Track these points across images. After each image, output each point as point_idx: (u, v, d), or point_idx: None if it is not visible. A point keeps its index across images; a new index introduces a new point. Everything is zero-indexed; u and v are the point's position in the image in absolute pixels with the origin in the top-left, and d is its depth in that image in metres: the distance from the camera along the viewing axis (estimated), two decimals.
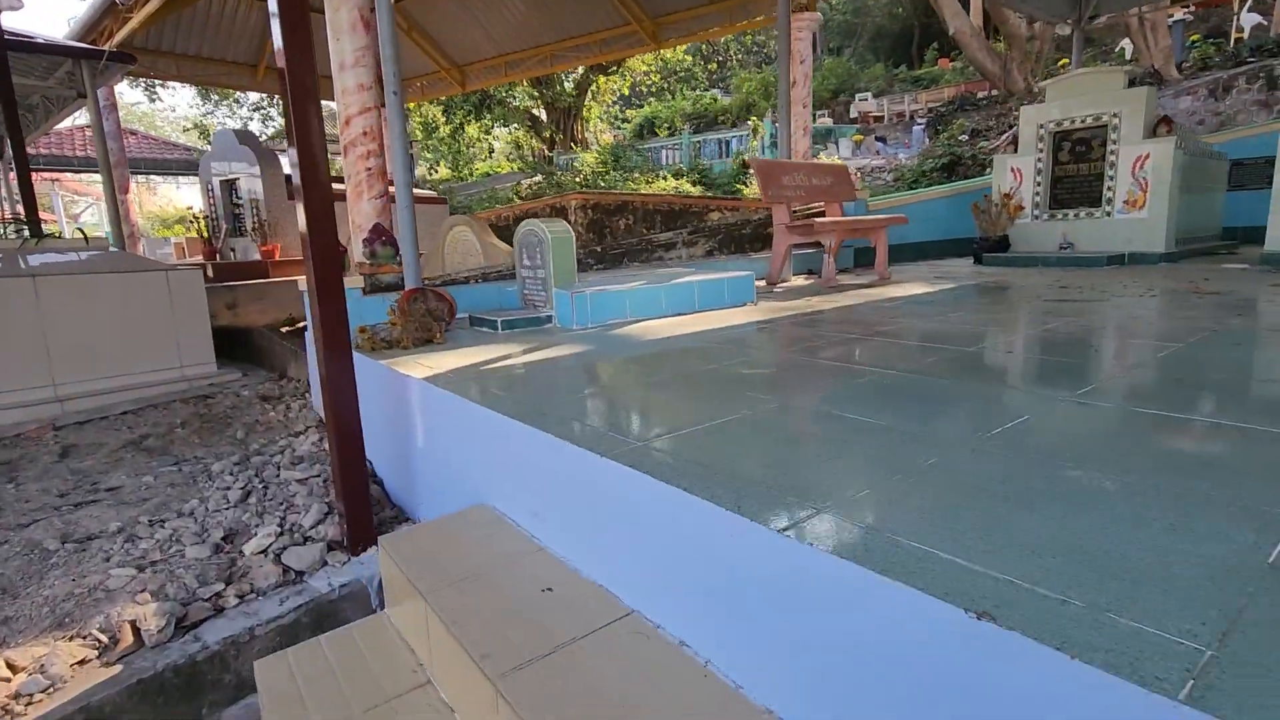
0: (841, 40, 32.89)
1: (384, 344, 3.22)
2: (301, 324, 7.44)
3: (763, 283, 5.65)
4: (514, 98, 21.29)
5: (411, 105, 17.29)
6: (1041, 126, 6.39)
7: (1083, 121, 6.13)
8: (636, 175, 16.96)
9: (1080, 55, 9.12)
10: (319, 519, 2.59)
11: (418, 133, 21.49)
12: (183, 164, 21.59)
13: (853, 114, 23.34)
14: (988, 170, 13.71)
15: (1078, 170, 6.27)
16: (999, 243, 6.54)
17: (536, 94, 21.43)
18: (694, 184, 15.74)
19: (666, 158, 20.59)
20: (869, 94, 25.01)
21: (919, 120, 18.29)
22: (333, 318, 2.35)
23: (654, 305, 3.91)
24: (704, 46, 27.37)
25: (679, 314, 3.99)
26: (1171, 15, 15.76)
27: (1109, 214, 6.05)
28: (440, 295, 3.65)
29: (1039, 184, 6.46)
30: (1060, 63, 19.48)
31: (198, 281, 5.41)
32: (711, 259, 6.19)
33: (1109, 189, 6.03)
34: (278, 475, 3.09)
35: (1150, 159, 5.76)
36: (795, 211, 5.70)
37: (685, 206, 9.07)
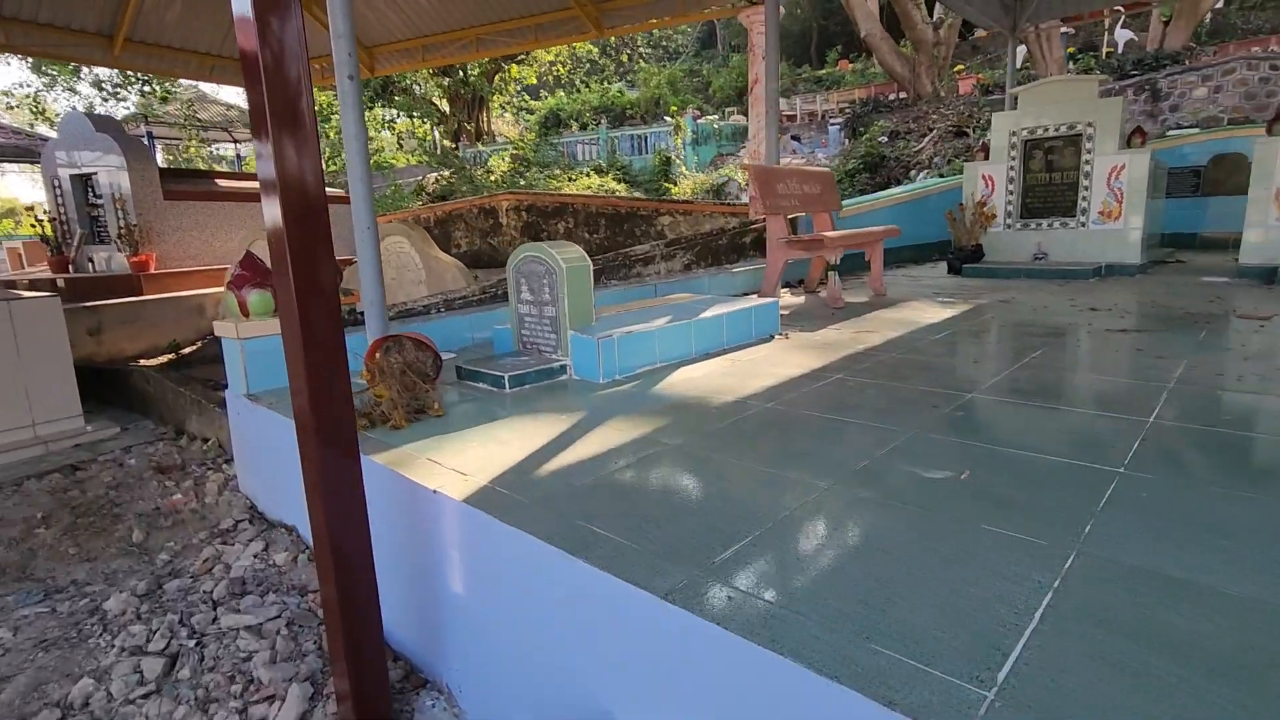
0: (744, 39, 33.10)
1: (365, 422, 2.36)
2: (189, 350, 6.14)
3: (755, 297, 5.10)
4: (419, 85, 19.65)
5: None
6: (1013, 134, 6.24)
7: (1056, 130, 6.02)
8: (557, 172, 16.05)
9: (1014, 62, 9.25)
10: (302, 713, 1.74)
11: None
12: (11, 149, 18.32)
13: None
14: (912, 172, 14.01)
15: (1050, 179, 6.17)
16: (974, 252, 6.36)
17: (443, 82, 19.89)
18: (617, 181, 15.09)
19: (583, 153, 19.74)
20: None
21: (834, 120, 18.51)
22: (324, 386, 1.51)
23: (683, 345, 3.24)
24: (612, 39, 26.68)
25: (708, 354, 3.35)
26: (1060, 28, 16.76)
27: (1084, 224, 5.98)
28: (421, 342, 2.81)
29: (1011, 192, 6.33)
30: (956, 69, 20.41)
31: (54, 311, 4.17)
32: (691, 274, 5.57)
33: (1084, 199, 5.95)
34: (214, 619, 2.16)
35: (1126, 170, 5.71)
36: (791, 220, 5.18)
37: (633, 209, 8.40)
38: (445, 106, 21.39)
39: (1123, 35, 17.50)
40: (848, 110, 19.01)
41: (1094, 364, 2.85)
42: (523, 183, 14.30)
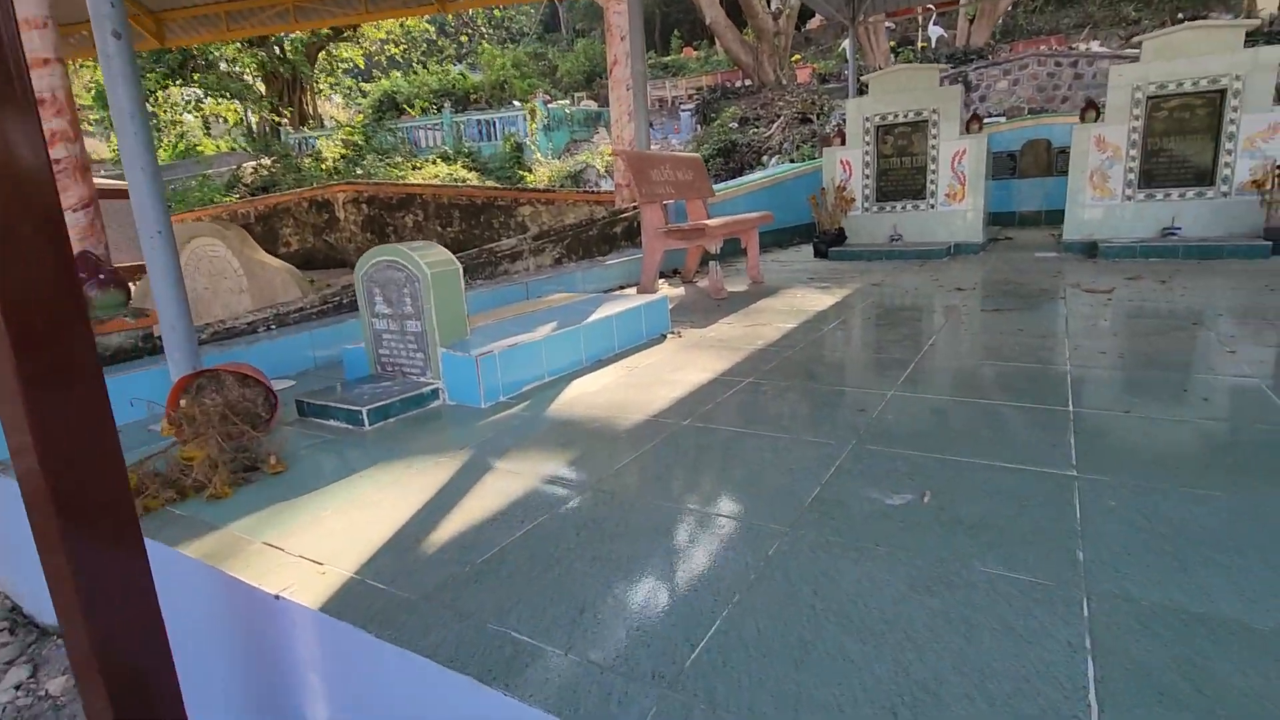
0: (589, 23, 32.77)
1: (172, 494, 1.77)
2: None
3: (633, 291, 4.83)
4: (224, 60, 17.26)
5: (77, 62, 13.03)
6: (866, 120, 6.44)
7: (904, 116, 6.28)
8: (399, 159, 14.79)
9: (854, 51, 9.68)
10: None
11: (83, 96, 16.36)
12: None
13: None
14: (764, 157, 14.45)
15: (901, 164, 6.44)
16: (838, 235, 6.51)
17: (258, 55, 17.59)
18: (467, 169, 14.17)
19: (426, 139, 18.43)
20: None
21: (685, 106, 18.71)
22: (71, 446, 0.99)
23: (573, 354, 2.87)
24: (450, 18, 25.21)
25: (601, 361, 3.00)
26: (885, 22, 18.04)
27: (933, 206, 6.30)
28: (247, 376, 2.22)
29: (867, 176, 6.54)
30: (793, 58, 21.42)
31: None
32: (562, 268, 5.18)
33: (931, 182, 6.27)
34: None
35: (967, 154, 6.06)
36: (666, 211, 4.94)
37: (490, 199, 7.80)
38: (261, 87, 19.06)
39: (935, 31, 19.20)
40: (697, 97, 19.33)
41: (988, 347, 2.85)
42: (360, 172, 13.00)
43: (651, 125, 20.91)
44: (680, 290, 5.07)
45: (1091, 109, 5.63)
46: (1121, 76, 5.42)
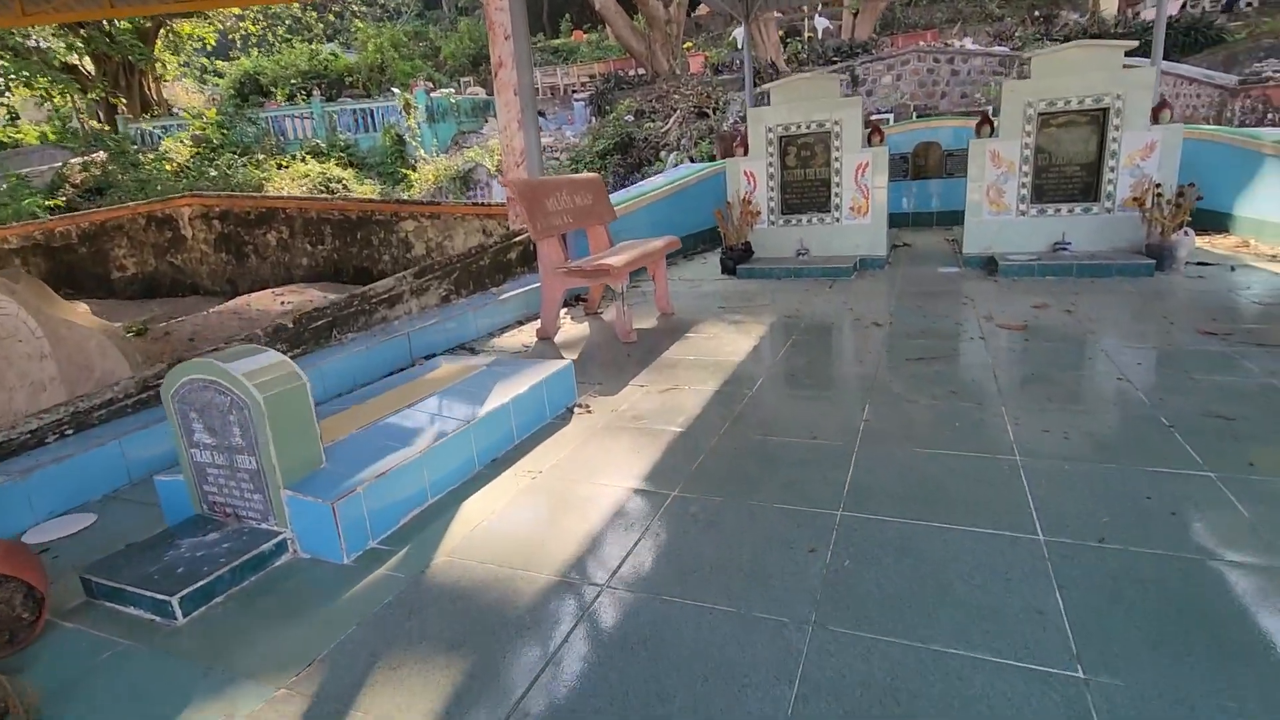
0: (472, 0, 31.05)
1: None
2: None
3: (532, 337, 4.35)
4: (40, 39, 14.81)
5: None
6: (769, 130, 6.20)
7: (807, 128, 6.09)
8: (260, 157, 13.27)
9: (749, 48, 9.46)
10: None
11: None
12: None
13: None
14: (662, 153, 14.13)
15: (805, 175, 6.27)
16: (745, 251, 6.26)
17: (81, 38, 15.22)
18: (343, 167, 12.89)
19: (294, 129, 16.71)
20: None
21: (578, 96, 18.05)
22: None
23: (462, 460, 2.38)
24: None
25: (496, 460, 2.53)
26: (775, 15, 18.09)
27: (838, 220, 6.18)
28: None
29: (772, 189, 6.32)
30: (686, 46, 21.20)
31: None
32: (450, 306, 4.60)
33: (836, 195, 6.13)
34: None
35: (870, 166, 5.95)
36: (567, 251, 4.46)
37: (366, 213, 6.98)
38: (89, 67, 16.60)
39: (821, 22, 19.52)
40: (590, 85, 18.71)
41: (926, 426, 2.62)
42: (214, 173, 11.50)
43: (544, 115, 20.07)
44: (584, 327, 4.63)
45: (986, 123, 5.65)
46: (1014, 93, 5.44)
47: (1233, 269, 4.97)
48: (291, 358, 2.40)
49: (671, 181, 7.82)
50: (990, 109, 6.32)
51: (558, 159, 14.74)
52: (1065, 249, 5.48)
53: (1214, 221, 6.28)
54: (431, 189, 11.28)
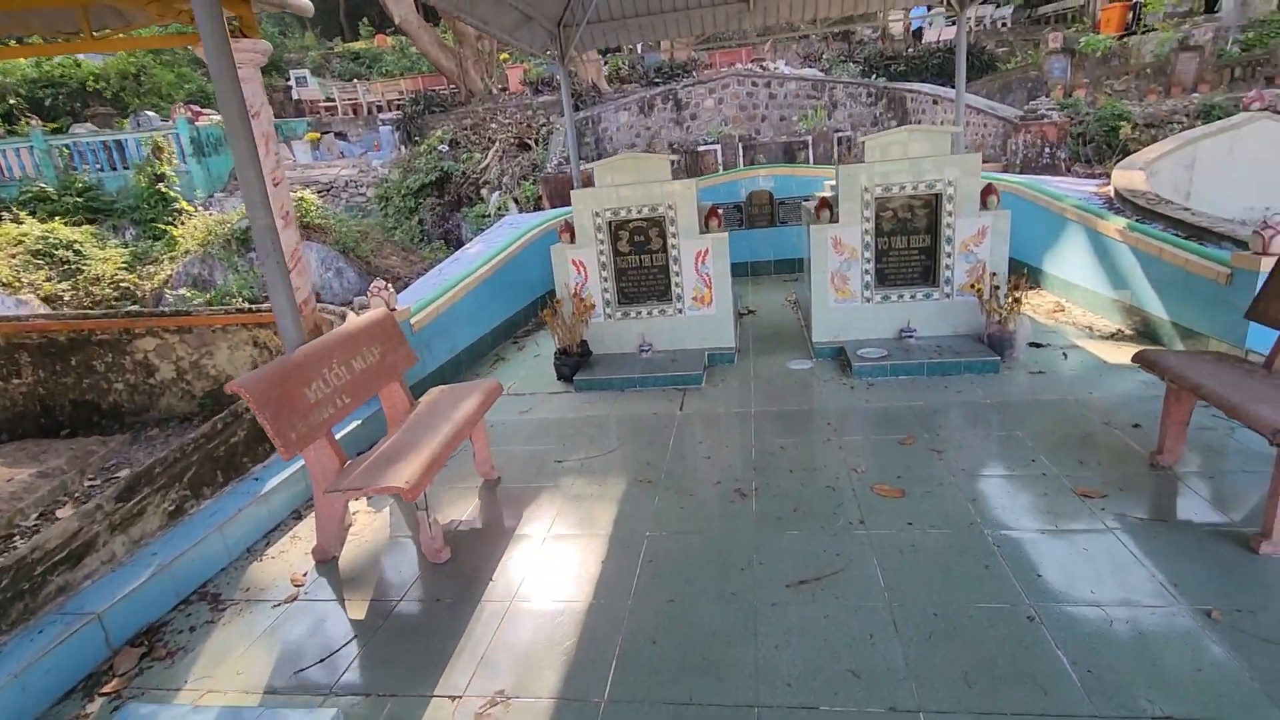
0: None
1: None
2: None
3: (307, 556, 3.23)
4: None
5: None
6: (596, 215, 5.42)
7: (638, 213, 5.39)
8: None
9: (568, 93, 8.63)
10: None
11: None
12: None
13: (295, 98, 19.50)
14: (484, 191, 12.91)
15: (641, 262, 5.58)
16: (582, 354, 5.46)
17: None
18: (75, 224, 10.15)
19: (9, 167, 13.25)
20: (306, 72, 21.40)
21: (385, 118, 16.21)
22: None
23: None
24: None
25: None
26: None
27: (681, 311, 5.56)
28: None
29: (605, 279, 5.57)
30: (502, 57, 19.94)
31: None
32: (182, 521, 3.33)
33: (676, 284, 5.51)
34: None
35: (710, 254, 5.39)
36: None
37: (83, 332, 5.26)
38: None
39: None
40: (399, 104, 16.89)
41: None
42: None
43: (346, 139, 17.92)
44: (384, 523, 3.57)
45: (825, 207, 5.28)
46: (851, 177, 5.10)
47: (1065, 355, 4.99)
48: None
49: (494, 256, 6.84)
50: (829, 186, 6.02)
51: (364, 195, 13.04)
52: (911, 336, 5.27)
53: (1024, 273, 6.43)
54: (198, 254, 9.23)
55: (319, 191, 12.61)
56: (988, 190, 5.05)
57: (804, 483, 3.50)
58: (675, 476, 3.73)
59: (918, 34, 20.52)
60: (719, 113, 15.09)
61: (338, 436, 4.03)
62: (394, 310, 4.85)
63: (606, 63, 18.32)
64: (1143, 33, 17.65)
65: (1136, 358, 3.41)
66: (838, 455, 3.78)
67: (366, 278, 9.71)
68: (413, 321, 5.09)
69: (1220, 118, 11.52)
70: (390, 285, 4.85)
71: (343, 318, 5.40)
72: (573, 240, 5.51)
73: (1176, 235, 5.20)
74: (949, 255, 5.16)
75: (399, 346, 3.81)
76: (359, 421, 4.36)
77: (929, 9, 21.18)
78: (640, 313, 5.62)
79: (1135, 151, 11.34)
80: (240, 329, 5.45)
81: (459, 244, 10.97)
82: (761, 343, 6.01)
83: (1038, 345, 5.19)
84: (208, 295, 8.13)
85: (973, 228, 5.07)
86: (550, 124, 13.69)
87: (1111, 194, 6.79)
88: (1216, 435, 3.58)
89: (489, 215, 10.82)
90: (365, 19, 25.94)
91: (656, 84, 15.61)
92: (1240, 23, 18.15)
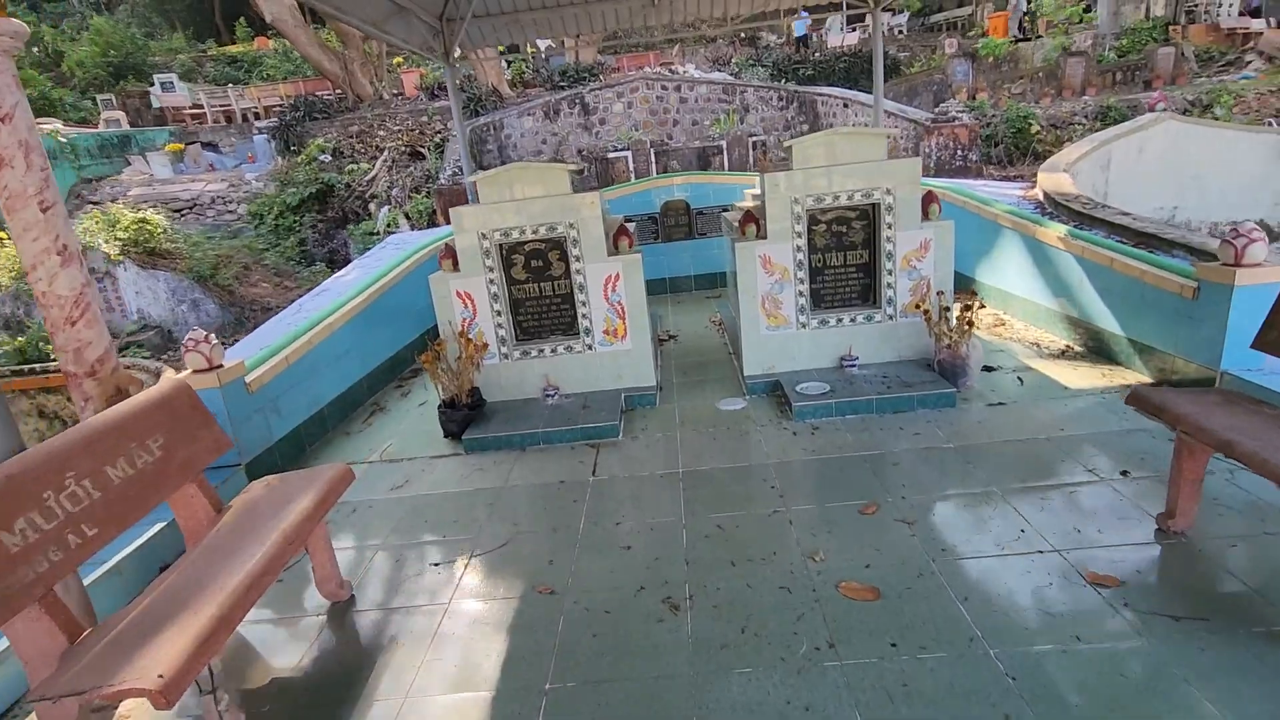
0: None
1: None
2: None
3: None
4: None
5: None
6: (484, 237, 4.51)
7: (533, 233, 4.51)
8: None
9: (455, 85, 7.64)
10: None
11: None
12: None
13: (156, 107, 17.36)
14: (371, 206, 11.62)
15: (541, 291, 4.71)
16: (474, 403, 4.52)
17: None
18: None
19: None
20: (174, 77, 19.23)
21: (261, 126, 14.57)
22: None
23: None
24: None
25: None
26: None
27: (590, 347, 4.72)
28: None
29: (499, 312, 4.66)
30: (396, 61, 18.53)
31: None
32: None
33: (584, 316, 4.67)
34: None
35: (622, 279, 4.58)
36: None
37: None
38: None
39: (542, 41, 18.24)
40: (278, 111, 15.23)
41: None
42: None
43: (217, 149, 16.05)
44: None
45: (751, 221, 4.57)
46: (778, 188, 4.42)
47: (1020, 380, 4.47)
48: None
49: (371, 284, 5.79)
50: (752, 196, 5.33)
51: (234, 212, 11.51)
52: (853, 365, 4.63)
53: (959, 283, 5.99)
54: (8, 291, 7.56)
55: (179, 211, 10.99)
56: (928, 199, 4.48)
57: (751, 583, 2.73)
58: (586, 581, 2.87)
59: (803, 40, 20.47)
60: (629, 117, 14.40)
61: (99, 574, 2.96)
62: (218, 367, 3.78)
63: (510, 65, 17.30)
64: (1035, 39, 18.28)
65: (1132, 400, 2.83)
66: (789, 535, 3.03)
67: (231, 309, 8.35)
68: (249, 380, 4.01)
69: (1116, 119, 11.79)
70: (212, 336, 3.78)
71: (157, 375, 4.23)
72: (456, 267, 4.57)
73: (1121, 242, 4.82)
74: (890, 272, 4.56)
75: (199, 431, 2.78)
76: (164, 524, 3.27)
77: (824, 6, 21.33)
78: (543, 351, 4.74)
79: (1044, 153, 11.43)
80: (20, 395, 4.20)
81: (345, 264, 9.72)
82: (687, 376, 5.25)
83: (989, 369, 4.67)
84: (20, 340, 6.64)
85: (914, 241, 4.49)
86: (447, 130, 12.58)
87: (1040, 197, 6.47)
88: (1214, 482, 3.07)
89: (377, 233, 9.63)
90: (242, 19, 23.74)
91: (562, 88, 14.76)
92: (1114, 30, 19.15)
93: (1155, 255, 4.36)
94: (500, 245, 4.55)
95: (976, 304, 4.31)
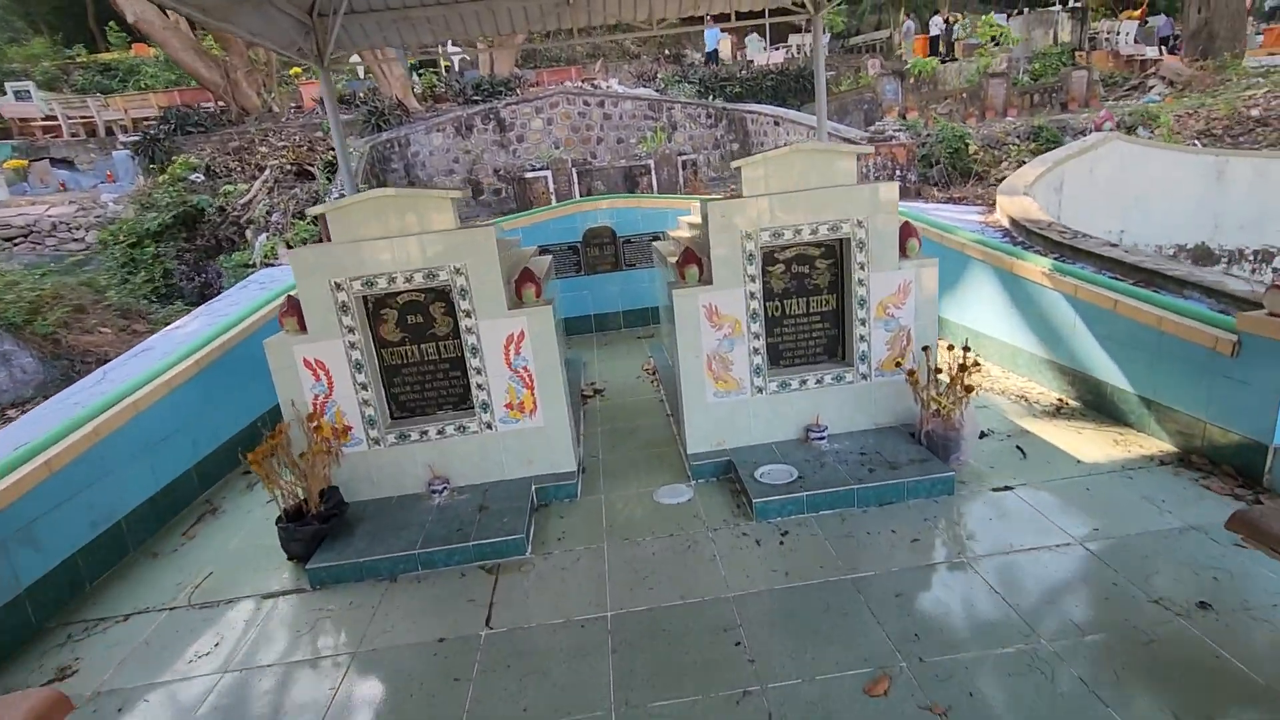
0: None
1: None
2: None
3: None
4: None
5: None
6: (340, 288, 3.36)
7: (407, 279, 3.40)
8: None
9: (332, 93, 6.44)
10: None
11: None
12: None
13: (1, 118, 15.06)
14: (248, 233, 10.08)
15: (422, 354, 3.59)
16: (328, 511, 3.33)
17: None
18: None
19: None
20: (29, 85, 16.91)
21: (125, 141, 12.72)
22: None
23: None
24: None
25: None
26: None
27: (490, 425, 3.63)
28: None
29: (364, 384, 3.50)
30: (293, 71, 16.90)
31: None
32: None
33: (479, 386, 3.57)
34: None
35: (527, 338, 3.52)
36: None
37: None
38: None
39: (455, 53, 17.04)
40: (146, 126, 13.38)
41: None
42: None
43: (74, 166, 14.03)
44: None
45: (692, 261, 3.61)
46: (725, 220, 3.48)
47: (1022, 453, 3.67)
48: None
49: (203, 345, 4.51)
50: (689, 225, 4.39)
51: (79, 239, 9.76)
52: (822, 437, 3.73)
53: None
54: None
55: (10, 239, 9.18)
56: (906, 231, 3.65)
57: None
58: None
59: (712, 55, 20.03)
60: (549, 134, 13.39)
61: None
62: None
63: (420, 77, 16.02)
64: (955, 61, 18.45)
65: (1235, 525, 2.00)
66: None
67: (56, 363, 6.77)
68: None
69: (1049, 139, 11.64)
70: None
71: None
72: (303, 329, 3.39)
73: (1115, 278, 4.15)
74: (863, 322, 3.69)
75: None
76: None
77: (752, 14, 21.02)
78: (426, 432, 3.61)
79: (982, 173, 11.11)
80: None
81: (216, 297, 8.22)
82: (616, 449, 4.23)
83: (983, 434, 3.86)
84: None
85: (891, 284, 3.65)
86: (346, 146, 11.19)
87: (1006, 223, 5.84)
88: None
89: (253, 264, 8.22)
90: (113, 23, 21.37)
91: (476, 102, 13.62)
92: (1027, 54, 19.65)
93: (1170, 298, 3.67)
94: (365, 298, 3.41)
95: (970, 360, 3.48)
